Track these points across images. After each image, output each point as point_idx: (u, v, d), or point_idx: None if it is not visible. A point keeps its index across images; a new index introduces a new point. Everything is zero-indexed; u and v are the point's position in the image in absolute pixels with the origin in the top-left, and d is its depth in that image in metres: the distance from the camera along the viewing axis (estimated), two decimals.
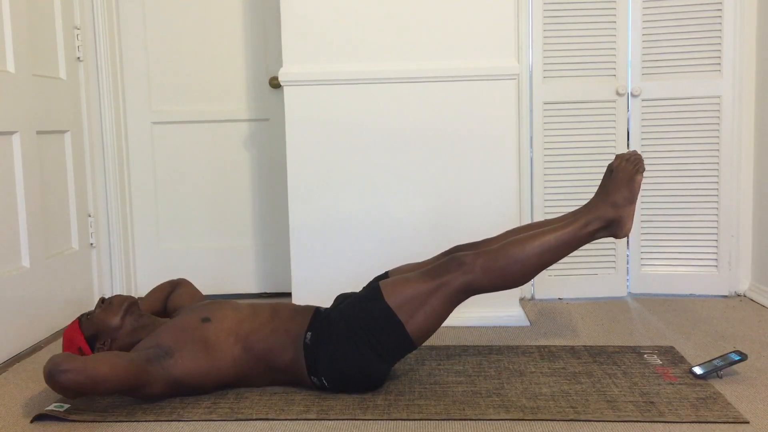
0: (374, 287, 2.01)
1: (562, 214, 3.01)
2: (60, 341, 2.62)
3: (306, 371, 1.98)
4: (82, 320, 2.11)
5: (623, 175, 2.06)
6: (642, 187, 3.05)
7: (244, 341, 1.98)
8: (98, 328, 2.08)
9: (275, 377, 2.03)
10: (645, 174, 3.04)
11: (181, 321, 2.03)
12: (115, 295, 2.15)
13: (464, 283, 1.97)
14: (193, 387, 1.97)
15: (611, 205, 2.06)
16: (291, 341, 1.98)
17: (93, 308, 2.20)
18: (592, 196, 3.00)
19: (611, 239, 3.03)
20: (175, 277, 3.25)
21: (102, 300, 2.14)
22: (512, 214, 2.68)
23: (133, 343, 2.08)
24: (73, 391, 1.81)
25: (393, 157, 2.68)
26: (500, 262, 1.98)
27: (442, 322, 2.01)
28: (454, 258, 1.99)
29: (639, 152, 2.14)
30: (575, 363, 2.22)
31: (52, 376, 1.80)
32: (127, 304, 2.11)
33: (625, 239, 3.04)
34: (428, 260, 2.23)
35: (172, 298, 2.40)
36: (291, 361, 1.98)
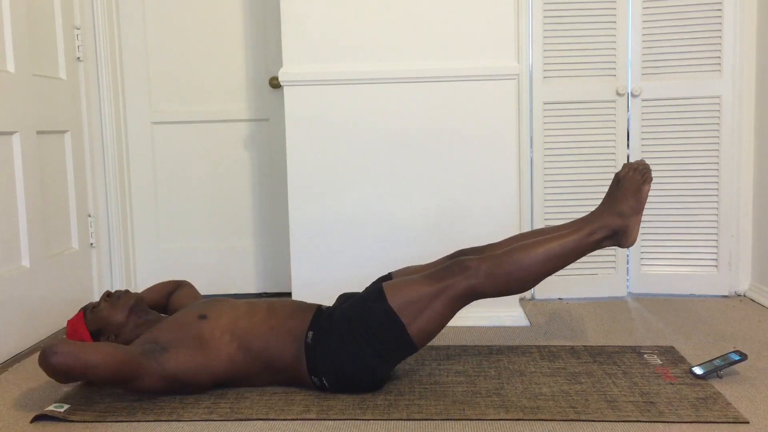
0: (377, 288, 2.00)
1: (563, 215, 3.01)
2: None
3: (306, 371, 1.98)
4: (87, 313, 2.14)
5: (630, 185, 2.06)
6: None
7: (240, 339, 1.98)
8: (103, 324, 2.12)
9: (275, 377, 2.03)
10: None
11: (178, 317, 2.05)
12: (122, 292, 2.17)
13: (468, 287, 1.97)
14: (188, 383, 1.97)
15: (618, 214, 2.06)
16: (291, 340, 1.98)
17: (98, 300, 2.23)
18: (591, 195, 3.01)
19: None
20: (175, 278, 3.25)
21: (108, 294, 2.16)
22: (512, 214, 2.68)
23: (136, 338, 2.09)
24: (64, 375, 1.83)
25: (393, 157, 2.68)
26: (505, 267, 1.98)
27: (445, 325, 2.01)
28: (458, 262, 1.99)
29: (646, 162, 2.13)
30: (575, 363, 2.22)
31: (45, 357, 1.82)
32: (133, 302, 2.14)
33: None
34: (432, 263, 2.24)
35: (175, 296, 2.41)
36: (291, 360, 1.98)
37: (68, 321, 2.15)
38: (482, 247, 2.22)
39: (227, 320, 2.01)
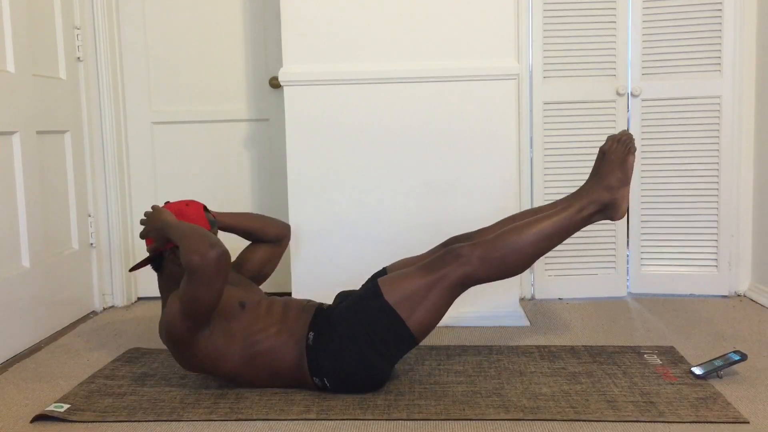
0: (373, 285, 2.00)
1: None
2: (57, 344, 2.61)
3: (308, 372, 1.97)
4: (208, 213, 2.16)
5: (615, 157, 2.06)
6: (642, 186, 3.05)
7: (247, 339, 1.97)
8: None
9: (276, 380, 2.02)
10: (645, 173, 3.04)
11: (226, 295, 2.02)
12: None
13: (462, 275, 1.96)
14: (205, 366, 1.98)
15: (605, 188, 2.06)
16: (294, 342, 1.98)
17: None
18: None
19: (612, 236, 3.02)
20: None
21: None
22: (512, 213, 2.67)
23: None
24: (209, 271, 1.83)
25: (393, 157, 2.68)
26: (498, 252, 1.97)
27: (443, 315, 2.01)
28: (451, 250, 1.98)
29: (629, 132, 2.13)
30: (575, 363, 2.22)
31: (206, 245, 1.83)
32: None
33: (624, 238, 3.04)
34: (425, 253, 2.23)
35: (258, 249, 2.37)
36: (293, 362, 1.98)
37: (181, 204, 2.12)
38: (473, 232, 2.21)
39: (249, 319, 2.00)
